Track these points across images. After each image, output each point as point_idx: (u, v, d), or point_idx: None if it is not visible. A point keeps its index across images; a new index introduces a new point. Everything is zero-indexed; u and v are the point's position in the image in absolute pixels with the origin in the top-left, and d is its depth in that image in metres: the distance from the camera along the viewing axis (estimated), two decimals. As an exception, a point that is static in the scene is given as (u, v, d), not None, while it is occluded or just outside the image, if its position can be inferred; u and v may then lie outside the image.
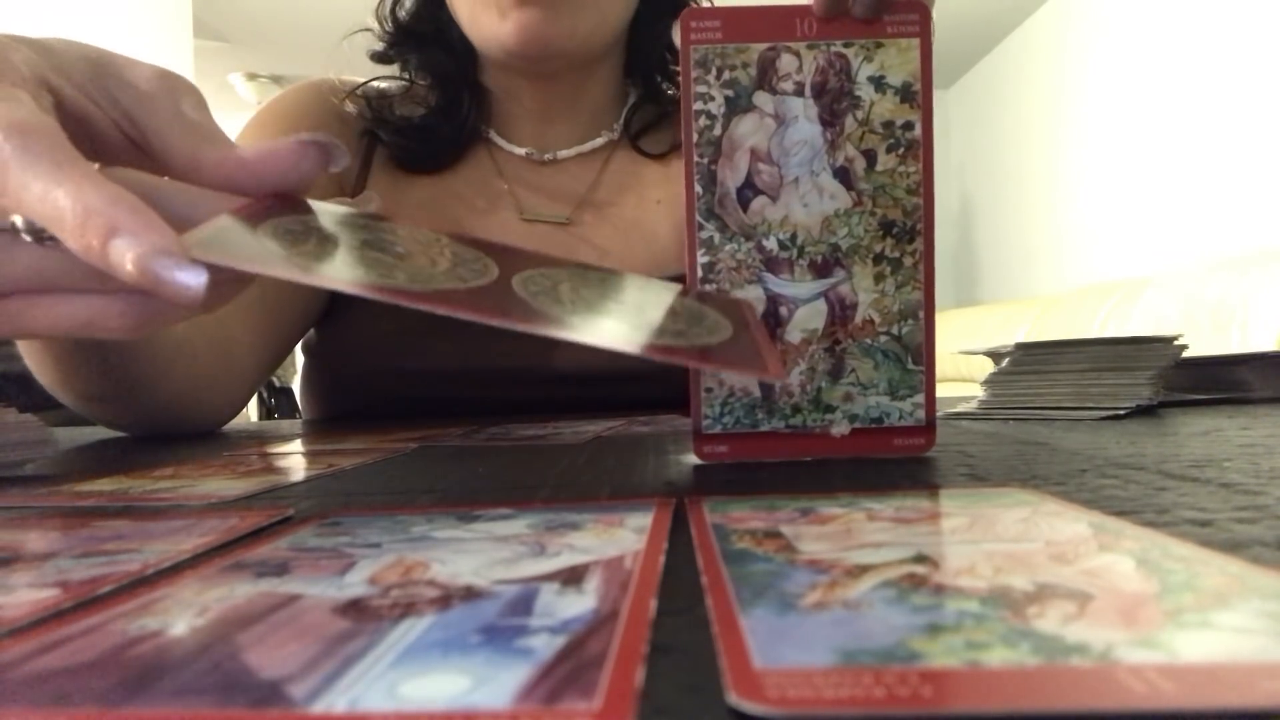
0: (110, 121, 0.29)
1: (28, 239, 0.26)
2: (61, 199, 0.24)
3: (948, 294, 4.56)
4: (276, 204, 0.28)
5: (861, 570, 0.18)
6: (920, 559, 0.18)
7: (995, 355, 0.57)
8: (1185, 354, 0.56)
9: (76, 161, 0.25)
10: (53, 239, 0.26)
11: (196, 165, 0.28)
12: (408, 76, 0.79)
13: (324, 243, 0.27)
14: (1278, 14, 2.57)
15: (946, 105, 4.67)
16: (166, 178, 0.29)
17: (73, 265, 0.26)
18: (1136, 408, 0.50)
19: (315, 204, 0.30)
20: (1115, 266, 3.22)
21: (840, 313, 0.35)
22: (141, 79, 0.29)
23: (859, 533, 0.21)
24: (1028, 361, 0.54)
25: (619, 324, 0.28)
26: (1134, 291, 2.66)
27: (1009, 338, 2.59)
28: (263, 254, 0.25)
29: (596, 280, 0.31)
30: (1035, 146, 3.88)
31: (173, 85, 0.30)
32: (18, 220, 0.26)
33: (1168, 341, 0.54)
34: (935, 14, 0.36)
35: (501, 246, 0.31)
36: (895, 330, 0.35)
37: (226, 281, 0.27)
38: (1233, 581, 0.16)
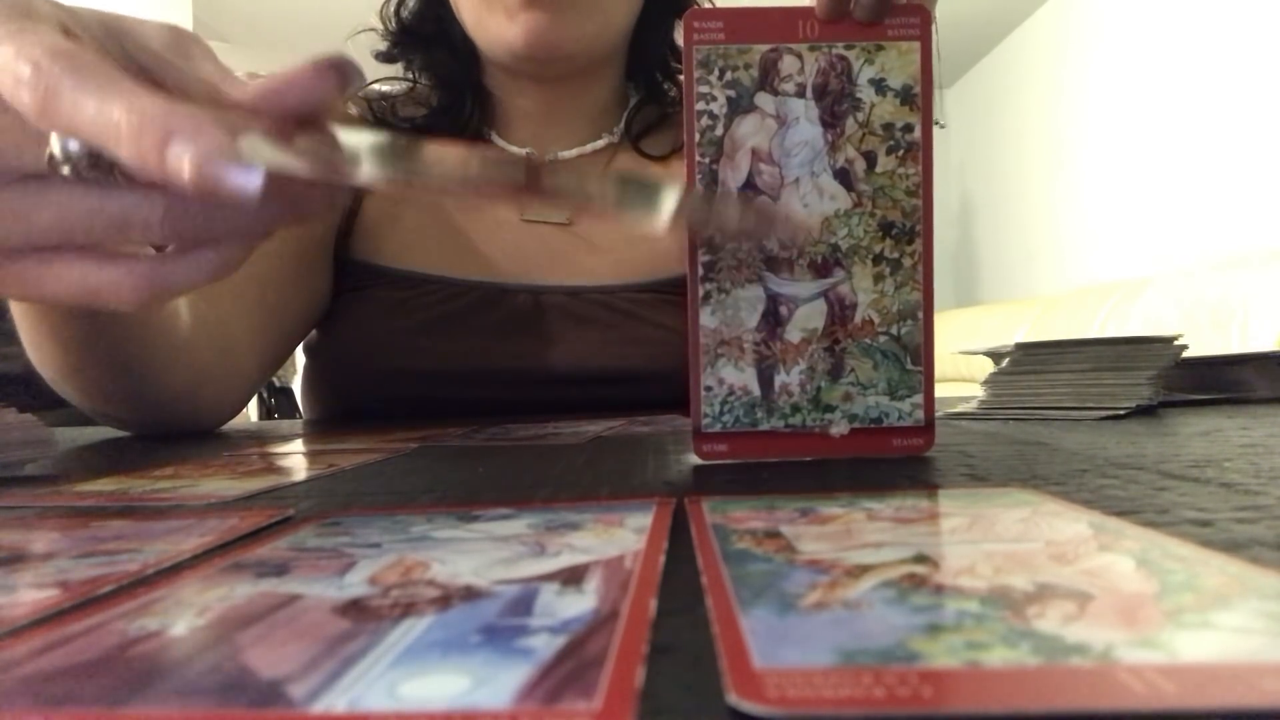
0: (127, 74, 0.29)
1: (65, 171, 0.26)
2: (116, 111, 0.24)
3: (948, 294, 4.56)
4: (298, 127, 0.28)
5: (861, 570, 0.18)
6: (920, 559, 0.18)
7: (995, 355, 0.57)
8: (1185, 354, 0.56)
9: (124, 78, 0.25)
10: (93, 171, 0.26)
11: (217, 102, 0.28)
12: (411, 77, 0.79)
13: (359, 150, 0.28)
14: (1278, 14, 2.57)
15: (946, 105, 4.67)
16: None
17: (94, 216, 0.27)
18: (1136, 408, 0.50)
19: (334, 127, 0.30)
20: (1115, 266, 3.22)
21: (840, 312, 0.35)
22: (152, 35, 0.29)
23: (859, 533, 0.21)
24: (1028, 361, 0.54)
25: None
26: (1134, 291, 2.66)
27: (1009, 338, 2.59)
28: (311, 155, 0.25)
29: (621, 175, 0.33)
30: (1035, 146, 3.87)
31: (183, 38, 0.30)
32: (56, 149, 0.26)
33: (1168, 341, 0.54)
34: (935, 14, 0.36)
35: (529, 158, 0.32)
36: (894, 330, 0.35)
37: (270, 201, 0.28)
38: (1233, 581, 0.16)
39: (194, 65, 0.29)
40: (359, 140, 0.29)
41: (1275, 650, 0.13)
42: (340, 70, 0.28)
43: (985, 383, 0.55)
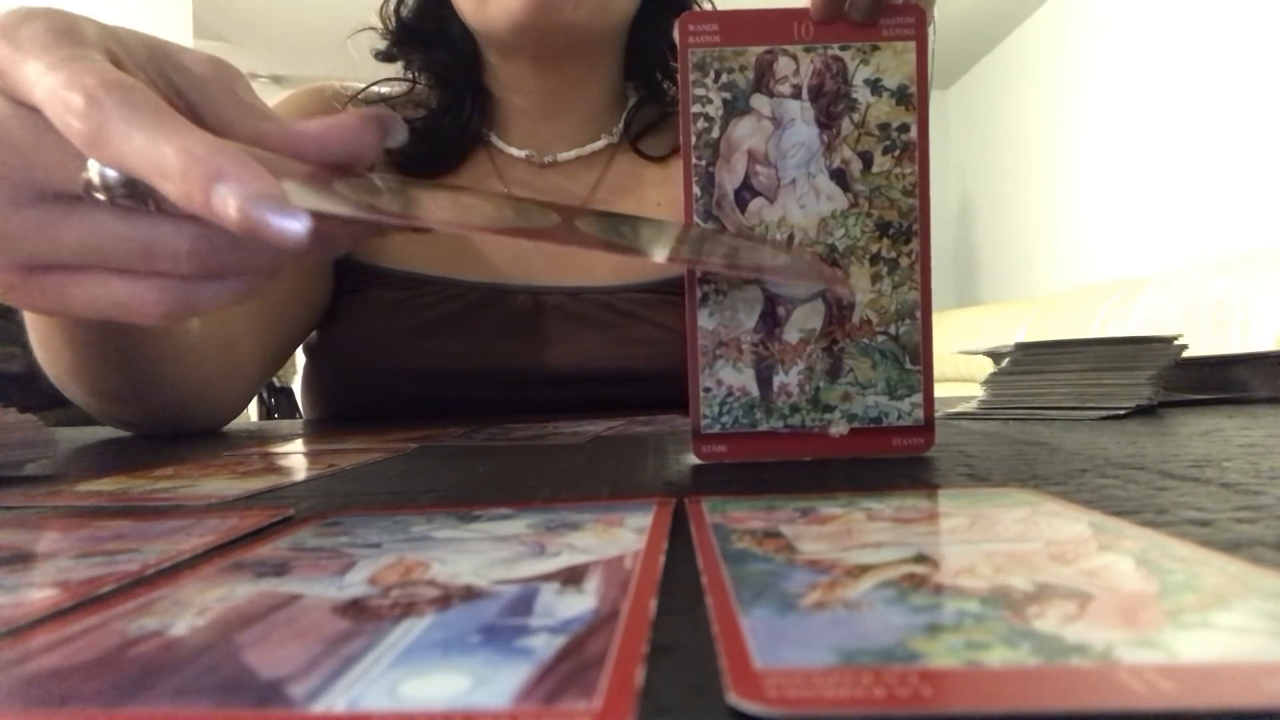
0: (169, 101, 0.29)
1: (100, 198, 0.26)
2: (165, 148, 0.24)
3: (948, 294, 4.56)
4: (335, 173, 0.29)
5: (861, 570, 0.18)
6: (920, 559, 0.18)
7: (995, 355, 0.57)
8: (1185, 354, 0.56)
9: (176, 115, 0.25)
10: (128, 200, 0.26)
11: (259, 141, 0.29)
12: (410, 76, 0.79)
13: (396, 194, 0.28)
14: (1278, 14, 2.57)
15: (946, 105, 4.67)
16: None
17: (121, 242, 0.27)
18: (1136, 408, 0.50)
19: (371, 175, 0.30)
20: (1115, 266, 3.22)
21: (838, 313, 0.35)
22: (195, 63, 0.29)
23: (859, 533, 0.21)
24: (1028, 361, 0.54)
25: (686, 246, 0.31)
26: (1134, 291, 2.66)
27: (1009, 338, 2.59)
28: (353, 201, 0.26)
29: (652, 222, 0.35)
30: (1035, 146, 3.88)
31: (225, 70, 0.30)
32: (94, 175, 0.26)
33: (1168, 341, 0.54)
34: (935, 14, 0.36)
35: (550, 202, 0.33)
36: (893, 330, 0.35)
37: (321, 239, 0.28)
38: (1233, 581, 0.16)
39: (237, 95, 0.29)
40: (397, 185, 0.29)
41: (1275, 650, 0.13)
42: (383, 125, 0.29)
43: (985, 383, 0.55)
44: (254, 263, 0.29)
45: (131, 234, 0.27)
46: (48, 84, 0.25)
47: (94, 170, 0.26)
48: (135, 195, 0.26)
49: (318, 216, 0.25)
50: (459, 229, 0.26)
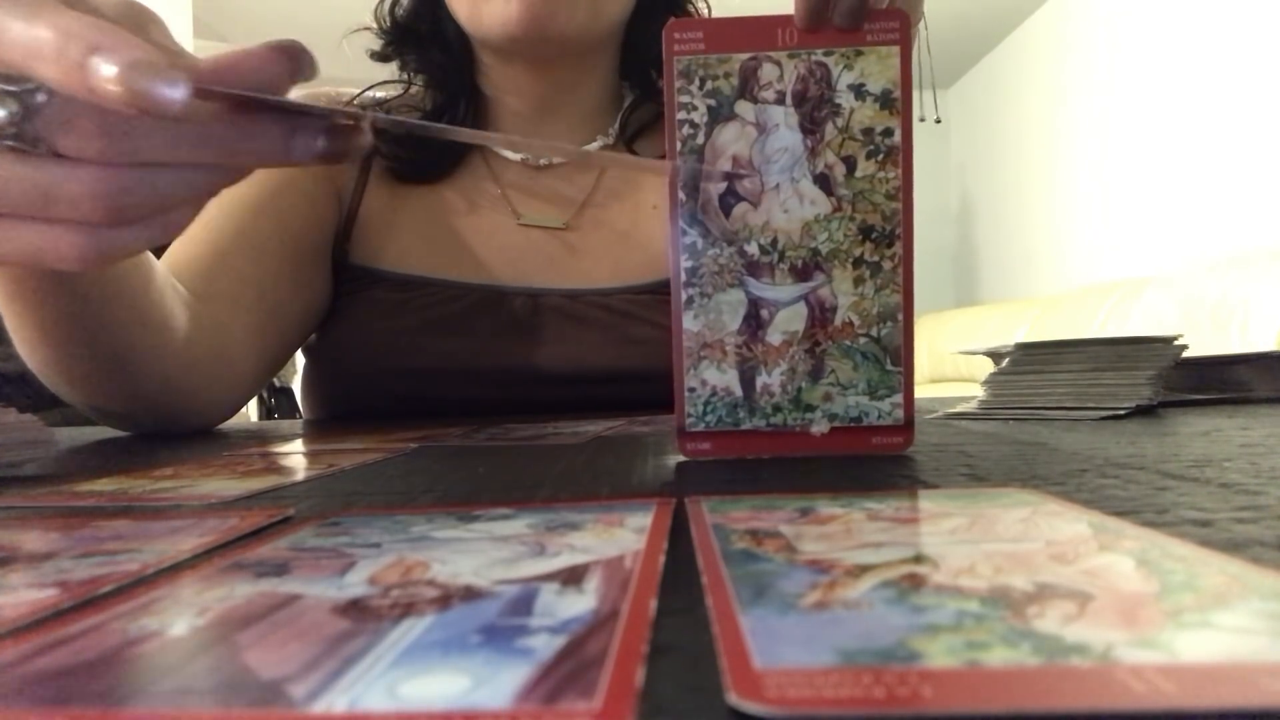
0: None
1: (5, 143, 0.26)
2: (41, 29, 0.24)
3: (948, 294, 4.56)
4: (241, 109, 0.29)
5: (861, 570, 0.18)
6: (920, 559, 0.18)
7: (995, 355, 0.57)
8: (1185, 354, 0.56)
9: (56, 4, 0.25)
10: (14, 139, 0.26)
11: None
12: (406, 77, 0.79)
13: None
14: (1278, 14, 2.57)
15: (946, 105, 4.66)
16: None
17: (18, 187, 0.27)
18: (1136, 408, 0.50)
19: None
20: (1115, 266, 3.22)
21: (820, 315, 0.35)
22: (107, 6, 0.29)
23: (859, 533, 0.21)
24: (1028, 361, 0.54)
25: None
26: (1134, 291, 2.66)
27: (1009, 338, 2.59)
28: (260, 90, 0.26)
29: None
30: (1035, 146, 3.88)
31: (139, 12, 0.30)
32: None
33: (1168, 341, 0.54)
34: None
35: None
36: (874, 332, 0.35)
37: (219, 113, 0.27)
38: (1233, 581, 0.16)
39: (150, 37, 0.29)
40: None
41: (1275, 650, 0.13)
42: (293, 56, 0.28)
43: (985, 383, 0.55)
44: (165, 198, 0.28)
45: (28, 177, 0.27)
46: None
47: None
48: (23, 136, 0.27)
49: (242, 112, 0.24)
50: (392, 126, 0.27)
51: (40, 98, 0.26)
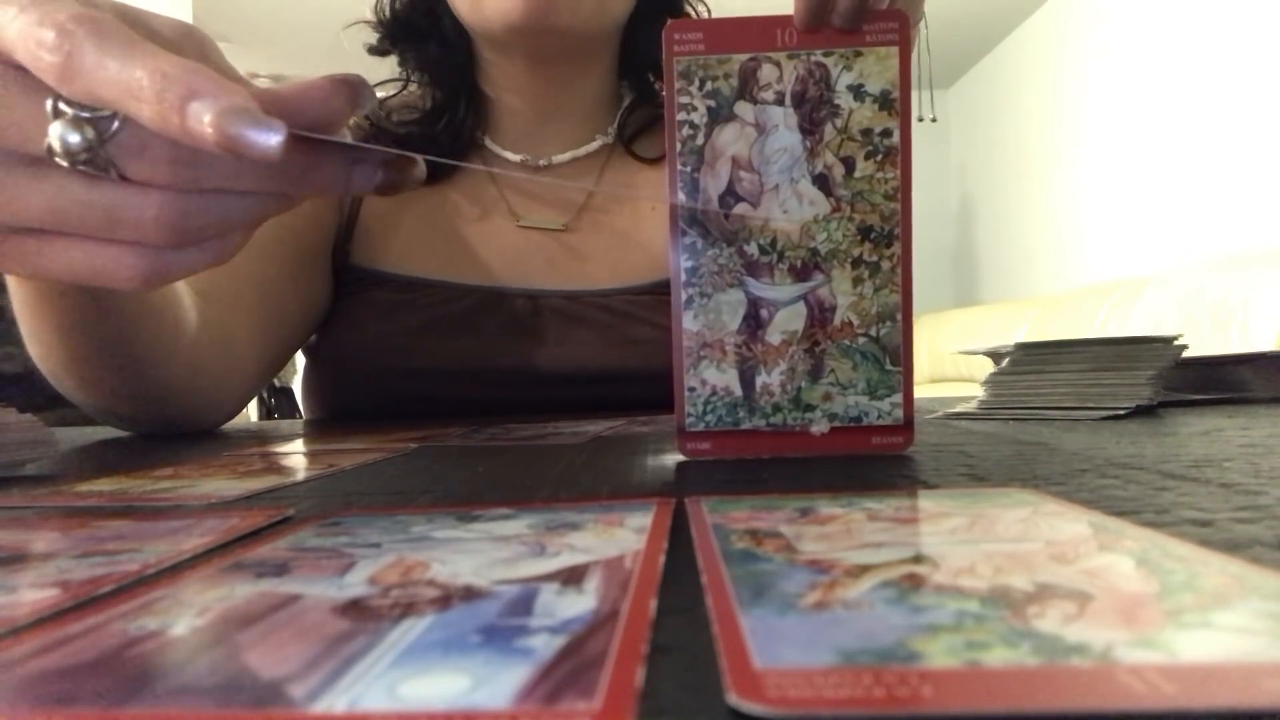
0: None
1: (62, 164, 0.26)
2: (137, 71, 0.24)
3: (948, 294, 4.56)
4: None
5: (861, 570, 0.18)
6: (920, 559, 0.18)
7: (995, 355, 0.57)
8: (1185, 354, 0.56)
9: (146, 41, 0.25)
10: (86, 164, 0.26)
11: None
12: (405, 74, 0.79)
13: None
14: (1278, 14, 2.57)
15: (946, 105, 4.67)
16: None
17: (86, 209, 0.27)
18: (1136, 408, 0.50)
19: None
20: (1115, 266, 3.22)
21: (819, 315, 0.35)
22: (166, 28, 0.30)
23: (859, 533, 0.21)
24: (1028, 361, 0.54)
25: None
26: (1134, 291, 2.66)
27: (1009, 338, 2.59)
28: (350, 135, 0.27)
29: None
30: (1035, 146, 3.87)
31: (197, 37, 0.30)
32: (54, 141, 0.26)
33: (1168, 341, 0.54)
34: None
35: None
36: (873, 332, 0.35)
37: (302, 159, 0.28)
38: (1233, 581, 0.16)
39: (209, 60, 0.30)
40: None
41: (1275, 650, 0.13)
42: (354, 89, 0.29)
43: (985, 383, 0.55)
44: (224, 223, 0.29)
45: (95, 201, 0.27)
46: (19, 24, 0.25)
47: (54, 135, 0.26)
48: (95, 162, 0.27)
49: (309, 145, 0.24)
50: (452, 162, 0.30)
51: (115, 125, 0.26)
